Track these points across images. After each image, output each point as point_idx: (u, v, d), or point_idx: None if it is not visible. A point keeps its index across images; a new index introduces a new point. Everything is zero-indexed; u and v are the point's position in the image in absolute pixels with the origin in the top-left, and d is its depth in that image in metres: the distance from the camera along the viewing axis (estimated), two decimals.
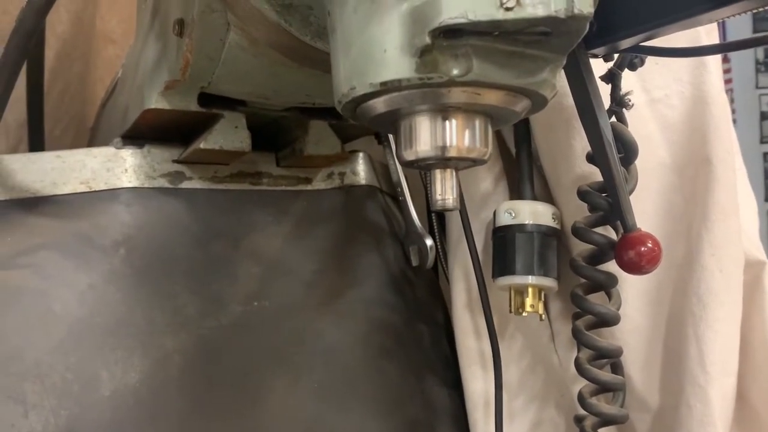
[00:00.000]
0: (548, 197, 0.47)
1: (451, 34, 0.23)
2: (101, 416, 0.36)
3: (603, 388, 0.41)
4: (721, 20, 0.31)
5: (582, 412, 0.41)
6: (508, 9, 0.22)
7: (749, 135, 2.23)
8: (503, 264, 0.44)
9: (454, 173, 0.27)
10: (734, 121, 0.49)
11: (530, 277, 0.43)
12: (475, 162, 0.27)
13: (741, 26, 1.98)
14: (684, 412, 0.43)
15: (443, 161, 0.27)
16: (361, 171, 0.48)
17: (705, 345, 0.43)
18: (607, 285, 0.41)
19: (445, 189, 0.27)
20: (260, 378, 0.41)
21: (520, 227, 0.43)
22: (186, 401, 0.39)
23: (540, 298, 0.43)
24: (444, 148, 0.26)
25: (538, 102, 0.27)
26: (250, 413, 0.40)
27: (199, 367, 0.40)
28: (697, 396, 0.43)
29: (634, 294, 0.45)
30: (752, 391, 0.46)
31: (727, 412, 0.44)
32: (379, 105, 0.26)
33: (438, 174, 0.27)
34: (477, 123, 0.26)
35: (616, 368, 0.42)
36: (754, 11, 0.30)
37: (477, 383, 0.47)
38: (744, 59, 2.30)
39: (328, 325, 0.44)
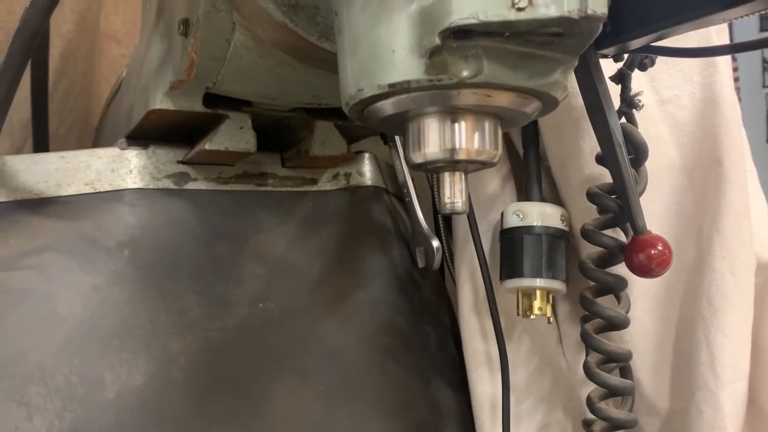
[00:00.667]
0: (556, 199, 0.46)
1: (461, 34, 0.23)
2: (105, 419, 0.36)
3: (612, 392, 0.40)
4: (732, 20, 0.31)
5: (590, 416, 0.40)
6: (520, 9, 0.21)
7: (756, 134, 2.22)
8: (511, 266, 0.43)
9: (463, 176, 0.27)
10: None
11: (538, 279, 0.42)
12: (485, 164, 0.27)
13: (748, 26, 1.97)
14: (694, 416, 0.43)
15: (452, 164, 0.26)
16: (366, 172, 0.48)
17: (716, 349, 0.42)
18: (617, 288, 0.40)
19: (454, 192, 0.26)
20: (265, 380, 0.41)
21: (528, 229, 0.43)
22: (191, 403, 0.38)
23: (548, 301, 0.43)
24: (453, 150, 0.26)
25: (549, 103, 0.26)
26: (255, 416, 0.40)
27: (204, 369, 0.39)
28: (708, 401, 0.42)
29: (643, 297, 0.45)
30: (763, 395, 0.46)
31: (738, 417, 0.44)
32: (387, 107, 0.25)
33: (447, 177, 0.26)
34: (487, 125, 0.26)
35: (625, 372, 0.42)
36: (764, 12, 0.29)
37: (484, 386, 0.46)
38: (751, 58, 2.29)
39: (333, 326, 0.44)
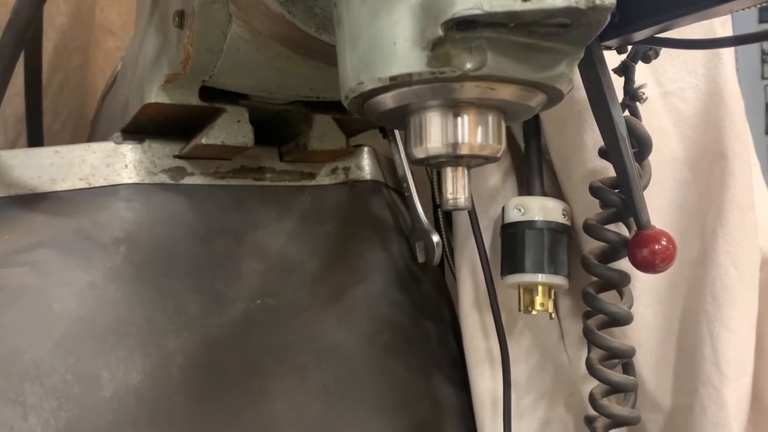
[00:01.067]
0: (558, 193, 0.46)
1: (464, 26, 0.22)
2: (102, 417, 0.36)
3: (614, 388, 0.40)
4: (736, 11, 0.30)
5: (593, 412, 0.40)
6: None
7: (755, 126, 2.22)
8: (512, 261, 0.43)
9: (465, 171, 0.26)
10: None
11: (540, 275, 0.42)
12: (488, 159, 0.26)
13: (746, 17, 1.96)
14: (698, 413, 0.42)
15: (455, 159, 0.26)
16: (366, 166, 0.47)
17: (719, 345, 0.42)
18: (620, 283, 0.40)
19: (456, 188, 0.26)
20: (264, 377, 0.41)
21: (530, 224, 0.42)
22: (188, 401, 0.38)
23: (550, 297, 0.43)
24: (455, 145, 0.25)
25: (554, 97, 0.26)
26: (254, 413, 0.40)
27: (202, 366, 0.39)
28: (712, 397, 0.42)
29: (646, 292, 0.44)
30: (767, 392, 0.45)
31: (742, 413, 0.43)
32: (388, 100, 0.25)
33: (449, 172, 0.26)
34: (490, 119, 0.25)
35: (628, 368, 0.41)
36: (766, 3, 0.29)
37: (485, 382, 0.46)
38: (750, 50, 2.29)
39: (332, 322, 0.43)
